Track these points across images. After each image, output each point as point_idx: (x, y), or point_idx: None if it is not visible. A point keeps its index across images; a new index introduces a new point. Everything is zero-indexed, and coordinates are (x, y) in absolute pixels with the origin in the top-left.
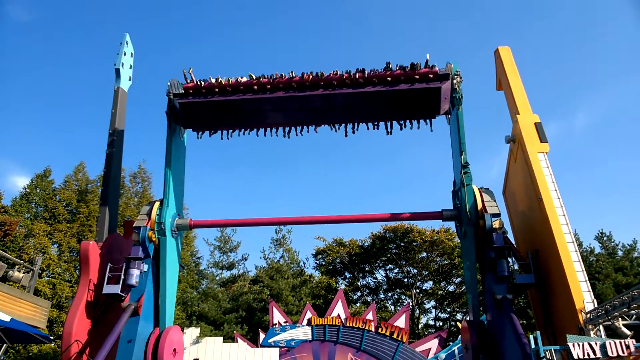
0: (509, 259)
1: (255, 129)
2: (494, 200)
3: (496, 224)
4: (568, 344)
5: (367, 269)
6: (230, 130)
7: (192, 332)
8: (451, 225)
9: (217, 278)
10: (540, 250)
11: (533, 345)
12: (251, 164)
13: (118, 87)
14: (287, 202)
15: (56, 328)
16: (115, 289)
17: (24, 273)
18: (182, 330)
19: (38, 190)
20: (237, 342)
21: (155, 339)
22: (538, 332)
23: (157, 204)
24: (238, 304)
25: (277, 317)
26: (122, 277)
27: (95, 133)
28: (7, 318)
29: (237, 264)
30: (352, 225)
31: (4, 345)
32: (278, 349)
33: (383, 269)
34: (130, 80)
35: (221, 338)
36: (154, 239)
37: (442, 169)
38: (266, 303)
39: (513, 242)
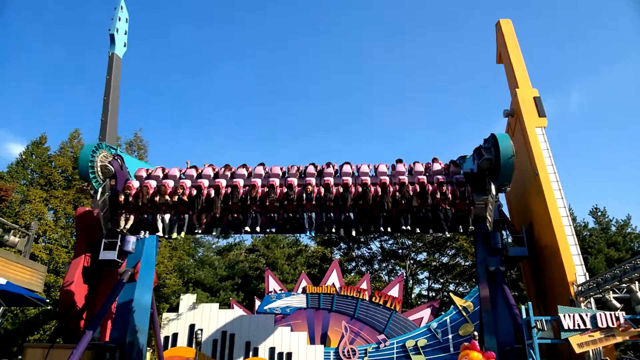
0: (503, 232)
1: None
2: None
3: None
4: (559, 314)
5: (362, 240)
6: None
7: (189, 298)
8: None
9: (214, 246)
10: (534, 224)
11: (524, 316)
12: (247, 135)
13: (113, 53)
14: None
15: (53, 293)
16: (112, 255)
17: (19, 238)
18: (179, 297)
19: (34, 157)
20: (233, 308)
21: None
22: (530, 303)
23: None
24: (234, 271)
25: (273, 285)
26: (119, 244)
27: (91, 100)
28: (3, 281)
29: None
30: None
31: (1, 308)
32: (273, 315)
33: (378, 240)
34: (125, 46)
35: (217, 304)
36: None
37: (443, 146)
38: (262, 271)
39: (508, 215)
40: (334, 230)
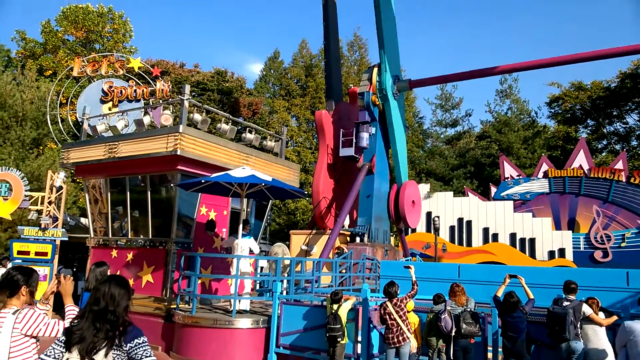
0: None
1: None
2: None
3: None
4: None
5: (615, 113)
6: None
7: (423, 188)
8: None
9: (442, 136)
10: None
11: None
12: (467, 15)
13: None
14: (509, 52)
15: (305, 188)
16: (350, 151)
17: (274, 142)
18: None
19: (272, 72)
20: (467, 196)
21: (395, 194)
22: None
23: (375, 69)
24: (465, 160)
25: (509, 170)
26: (354, 140)
27: (312, 8)
28: (269, 178)
29: (460, 120)
30: (592, 65)
31: (270, 201)
32: (512, 201)
33: (636, 112)
34: None
35: (451, 193)
36: (377, 103)
37: None
38: (495, 158)
39: None
40: None
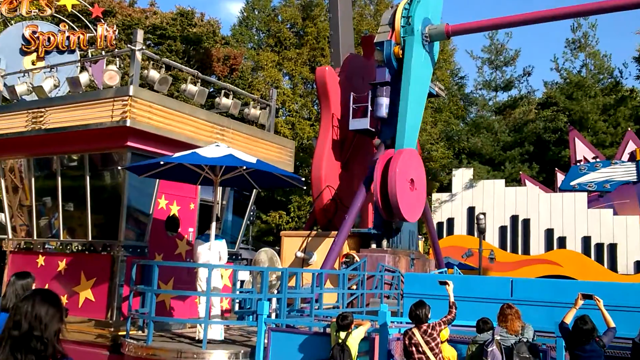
0: None
1: None
2: None
3: None
4: None
5: None
6: None
7: (464, 173)
8: None
9: (490, 103)
10: None
11: None
12: None
13: None
14: None
15: (302, 174)
16: (363, 123)
17: (260, 110)
18: (451, 173)
19: (256, 12)
20: (525, 185)
21: (383, 166)
22: None
23: (402, 4)
24: (522, 136)
25: (582, 151)
26: (369, 108)
27: None
28: (252, 159)
29: (516, 81)
30: None
31: (254, 190)
32: (585, 193)
33: None
34: None
35: (502, 181)
36: (401, 56)
37: None
38: (564, 133)
39: None
40: None
